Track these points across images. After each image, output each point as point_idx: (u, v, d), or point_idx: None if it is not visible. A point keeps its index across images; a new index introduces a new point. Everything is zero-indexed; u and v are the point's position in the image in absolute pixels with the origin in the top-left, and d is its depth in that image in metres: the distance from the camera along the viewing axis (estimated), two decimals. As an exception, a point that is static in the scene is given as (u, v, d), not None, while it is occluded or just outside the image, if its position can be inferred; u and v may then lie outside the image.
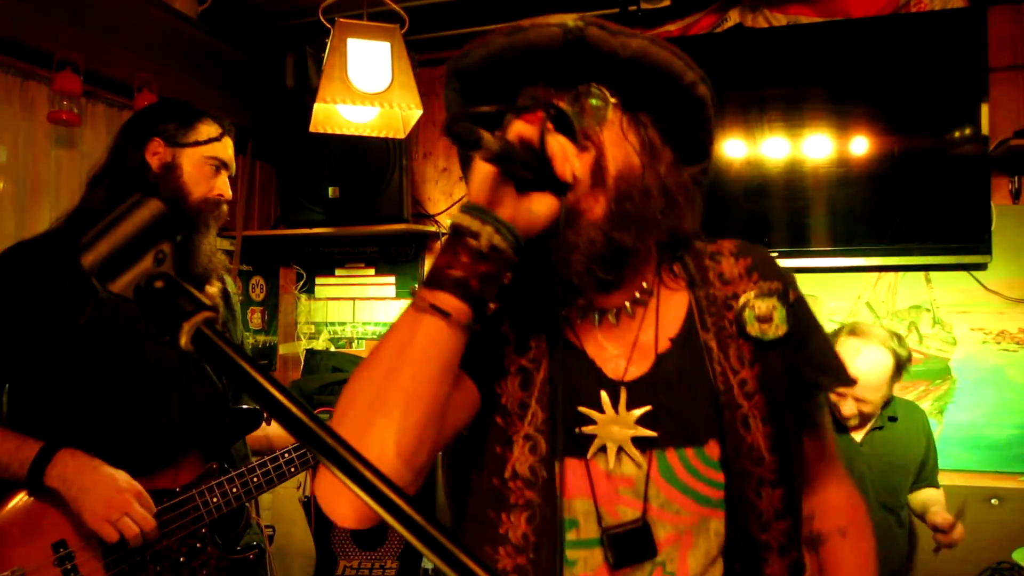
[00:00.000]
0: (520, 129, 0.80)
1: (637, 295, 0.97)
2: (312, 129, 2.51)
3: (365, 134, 2.59)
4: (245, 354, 0.55)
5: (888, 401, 2.38)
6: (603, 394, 0.93)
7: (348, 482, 0.49)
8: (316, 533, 3.03)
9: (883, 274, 2.92)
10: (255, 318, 3.60)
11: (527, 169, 0.79)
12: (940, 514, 2.22)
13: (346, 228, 3.28)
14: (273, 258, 3.70)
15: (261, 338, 3.64)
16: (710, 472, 0.92)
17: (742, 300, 0.97)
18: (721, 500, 0.92)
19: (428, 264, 3.53)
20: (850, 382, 1.06)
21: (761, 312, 0.96)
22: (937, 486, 2.43)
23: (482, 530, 0.92)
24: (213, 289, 1.78)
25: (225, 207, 1.76)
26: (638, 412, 0.92)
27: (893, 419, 2.40)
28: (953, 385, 2.84)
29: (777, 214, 2.85)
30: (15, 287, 1.55)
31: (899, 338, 2.36)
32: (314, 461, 1.75)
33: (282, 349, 3.75)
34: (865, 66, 2.73)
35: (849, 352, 2.30)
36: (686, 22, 3.04)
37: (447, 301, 0.78)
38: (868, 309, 2.95)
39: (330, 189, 3.25)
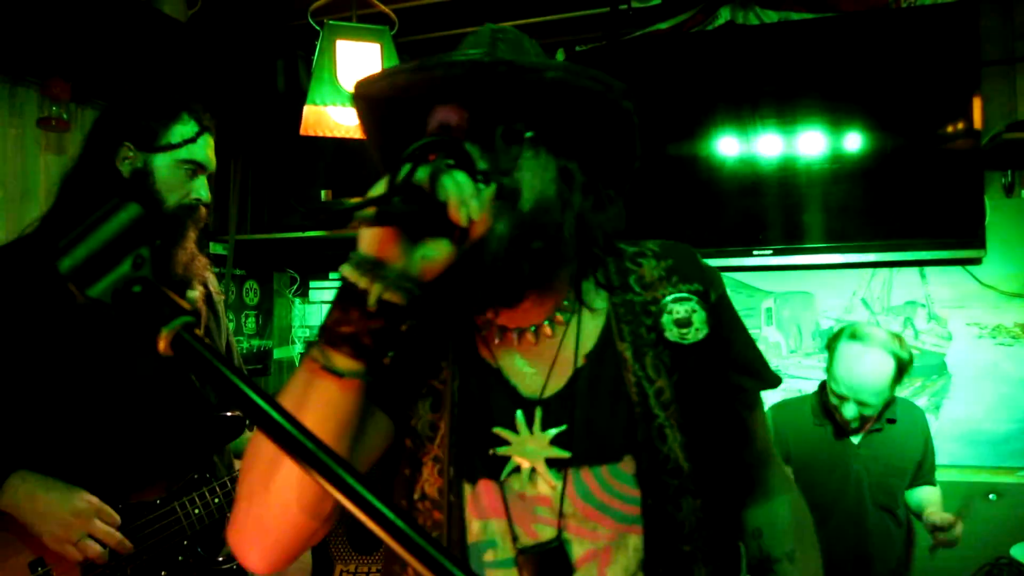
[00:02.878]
0: (414, 174, 0.76)
1: (556, 314, 0.95)
2: (303, 132, 2.49)
3: (356, 136, 2.57)
4: (225, 359, 0.54)
5: (889, 403, 2.37)
6: (518, 414, 0.92)
7: (329, 487, 0.48)
8: (313, 537, 3.02)
9: (878, 270, 2.92)
10: (249, 322, 3.58)
11: (416, 219, 0.76)
12: (938, 514, 2.22)
13: (339, 231, 3.26)
14: (267, 262, 3.69)
15: (256, 342, 3.62)
16: (625, 488, 0.90)
17: (660, 305, 0.95)
18: (638, 516, 0.89)
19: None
20: (774, 383, 1.04)
21: (679, 316, 0.95)
22: (934, 484, 2.42)
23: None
24: (195, 294, 1.71)
25: (204, 210, 1.64)
26: (553, 432, 0.91)
27: (892, 421, 2.39)
28: (949, 380, 2.84)
29: (771, 211, 2.84)
30: None
31: (900, 340, 2.34)
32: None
33: (277, 353, 3.73)
34: (857, 62, 2.73)
35: (851, 356, 2.29)
36: (677, 20, 3.04)
37: (339, 360, 0.76)
38: (863, 305, 2.95)
39: (323, 192, 3.24)
